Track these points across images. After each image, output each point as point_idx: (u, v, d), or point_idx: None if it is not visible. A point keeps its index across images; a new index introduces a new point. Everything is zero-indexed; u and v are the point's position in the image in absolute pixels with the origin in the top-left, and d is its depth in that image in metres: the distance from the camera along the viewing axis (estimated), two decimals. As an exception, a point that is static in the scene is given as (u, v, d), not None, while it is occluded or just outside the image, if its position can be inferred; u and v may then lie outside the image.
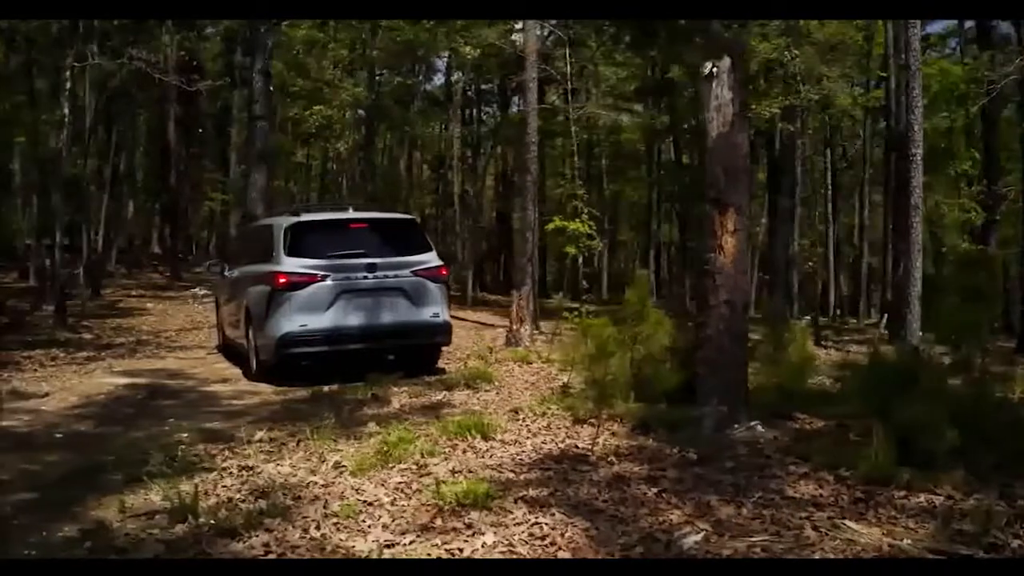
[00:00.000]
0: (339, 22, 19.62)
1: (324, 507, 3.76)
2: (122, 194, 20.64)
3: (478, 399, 6.80)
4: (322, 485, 4.19)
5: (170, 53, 17.74)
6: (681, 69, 17.63)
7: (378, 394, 6.97)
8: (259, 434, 5.54)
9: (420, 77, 25.13)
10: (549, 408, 5.99)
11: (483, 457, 4.76)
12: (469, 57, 16.83)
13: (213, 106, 26.13)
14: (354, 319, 7.76)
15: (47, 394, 7.71)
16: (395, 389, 7.22)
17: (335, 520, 3.62)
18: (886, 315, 16.01)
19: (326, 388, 7.42)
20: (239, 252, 9.94)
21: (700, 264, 5.77)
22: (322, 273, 7.69)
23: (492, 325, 13.42)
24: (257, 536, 3.39)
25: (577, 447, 4.93)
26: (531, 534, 3.44)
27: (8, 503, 4.30)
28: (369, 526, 3.55)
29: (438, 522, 3.58)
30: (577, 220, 11.42)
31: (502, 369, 8.42)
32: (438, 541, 3.36)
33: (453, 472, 4.39)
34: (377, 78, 20.97)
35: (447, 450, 4.88)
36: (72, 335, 11.76)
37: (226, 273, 10.16)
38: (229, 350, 10.02)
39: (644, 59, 20.29)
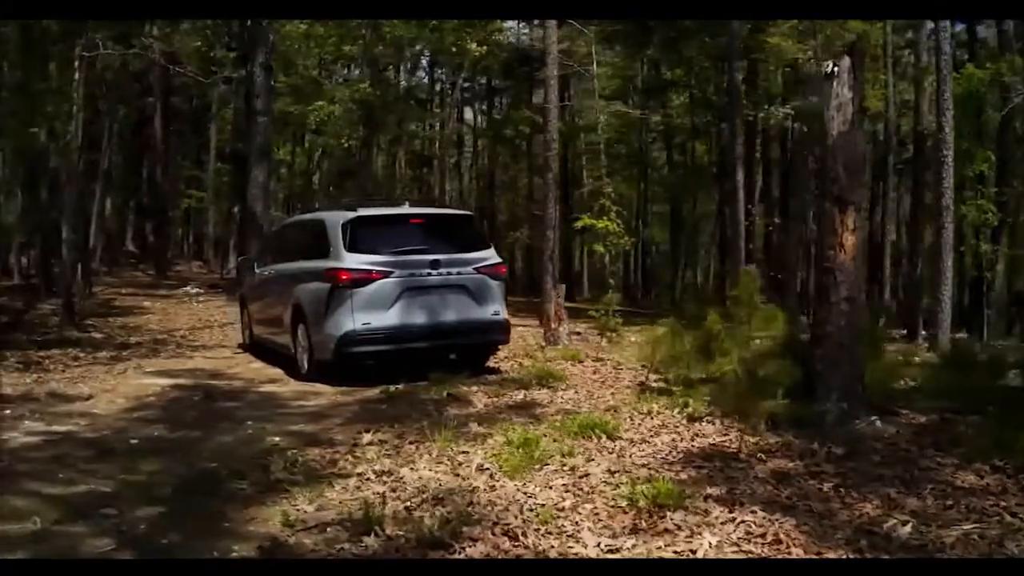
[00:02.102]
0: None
1: (520, 512, 3.61)
2: (108, 191, 19.81)
3: (562, 398, 6.67)
4: (485, 489, 4.03)
5: (156, 47, 17.04)
6: (681, 69, 17.79)
7: (455, 394, 6.78)
8: (366, 437, 5.32)
9: (405, 75, 24.85)
10: (651, 406, 5.91)
11: (625, 457, 4.67)
12: (476, 54, 16.64)
13: (188, 102, 25.35)
14: (418, 317, 7.55)
15: (90, 396, 7.30)
16: (465, 389, 7.04)
17: (535, 526, 3.47)
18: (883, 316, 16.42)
19: (392, 388, 7.19)
20: (275, 249, 9.57)
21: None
22: (386, 270, 7.45)
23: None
24: (472, 546, 3.22)
25: (713, 444, 4.87)
26: (748, 532, 3.39)
27: (136, 519, 3.95)
28: (576, 530, 3.42)
29: (643, 523, 3.48)
30: (605, 218, 11.37)
31: (557, 368, 8.29)
32: (660, 543, 3.27)
33: (611, 472, 4.29)
34: (384, 73, 20.56)
35: (582, 450, 4.76)
36: (82, 334, 11.21)
37: (257, 271, 9.80)
38: (260, 349, 9.67)
39: (637, 59, 20.40)
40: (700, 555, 3.19)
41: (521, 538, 3.33)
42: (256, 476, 4.47)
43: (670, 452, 4.76)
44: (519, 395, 6.80)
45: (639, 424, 5.49)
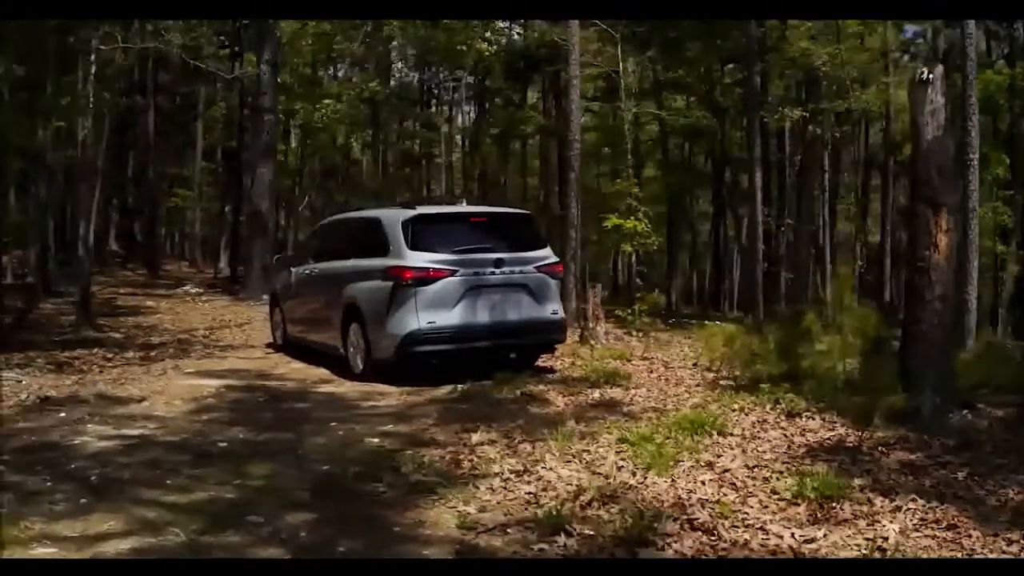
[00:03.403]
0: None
1: (702, 508, 3.63)
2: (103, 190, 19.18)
3: (640, 396, 6.70)
4: (640, 486, 4.04)
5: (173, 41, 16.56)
6: (683, 70, 17.98)
7: (530, 393, 6.76)
8: (475, 437, 5.27)
9: (398, 74, 24.63)
10: (740, 403, 5.97)
11: (749, 452, 4.73)
12: (487, 52, 16.61)
13: (172, 100, 24.76)
14: (481, 316, 7.50)
15: (143, 398, 7.07)
16: (534, 388, 7.00)
17: (722, 520, 3.50)
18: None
19: (460, 387, 7.12)
20: (316, 249, 9.40)
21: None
22: (450, 268, 7.39)
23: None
24: (677, 541, 3.23)
25: (829, 439, 4.96)
26: (922, 519, 3.54)
27: (290, 526, 3.80)
28: (762, 523, 3.46)
29: (819, 514, 3.55)
30: (633, 218, 11.43)
31: (612, 367, 8.29)
32: (848, 532, 3.38)
33: (749, 467, 4.34)
34: (393, 73, 20.32)
35: (704, 447, 4.80)
36: (101, 334, 10.88)
37: (294, 270, 9.63)
38: (295, 349, 9.50)
39: (638, 59, 20.48)
40: (891, 542, 3.26)
41: (717, 532, 3.35)
42: (390, 478, 4.38)
43: (789, 447, 4.84)
44: (594, 394, 6.81)
45: (738, 420, 5.55)
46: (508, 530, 3.52)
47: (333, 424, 6.04)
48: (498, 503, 3.91)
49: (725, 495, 3.86)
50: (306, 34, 18.45)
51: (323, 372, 8.42)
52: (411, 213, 7.70)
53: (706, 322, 14.28)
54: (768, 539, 3.30)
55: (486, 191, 27.99)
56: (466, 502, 3.94)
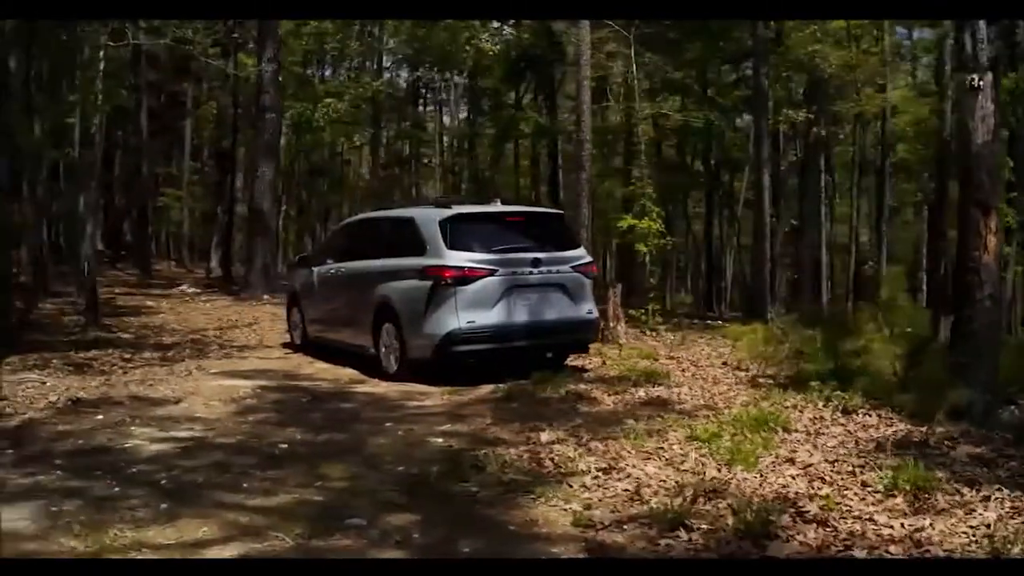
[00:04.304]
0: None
1: (809, 500, 3.71)
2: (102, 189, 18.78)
3: (685, 394, 6.77)
4: (734, 481, 4.10)
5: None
6: (683, 72, 18.17)
7: (576, 392, 6.80)
8: (544, 436, 5.30)
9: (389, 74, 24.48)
10: (791, 401, 6.08)
11: (820, 448, 4.82)
12: (491, 53, 16.60)
13: (157, 99, 24.33)
14: (520, 316, 7.52)
15: (179, 400, 6.95)
16: (574, 387, 7.04)
17: (830, 512, 3.59)
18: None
19: (503, 387, 7.12)
20: (340, 248, 9.32)
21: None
22: (491, 268, 7.40)
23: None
24: (798, 534, 3.30)
25: (894, 435, 5.08)
26: (1014, 507, 3.67)
27: (399, 527, 3.74)
28: (868, 514, 3.56)
29: (919, 505, 3.68)
30: (647, 218, 11.52)
31: (643, 366, 8.37)
32: (951, 521, 3.53)
33: (829, 462, 4.45)
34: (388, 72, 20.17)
35: (776, 443, 4.89)
36: (109, 335, 10.66)
37: (316, 269, 9.54)
38: (316, 348, 9.42)
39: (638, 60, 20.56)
40: (992, 529, 3.37)
41: (831, 524, 3.44)
42: (478, 478, 4.38)
43: (856, 442, 4.96)
44: (639, 392, 6.86)
45: (797, 418, 5.65)
46: (624, 526, 3.55)
47: (388, 424, 6.01)
48: (600, 500, 3.94)
49: (819, 489, 3.94)
50: (301, 32, 18.28)
51: (352, 372, 8.36)
52: (448, 212, 7.68)
53: (708, 322, 14.53)
54: (880, 529, 3.39)
55: (479, 191, 27.97)
56: (567, 500, 3.96)
